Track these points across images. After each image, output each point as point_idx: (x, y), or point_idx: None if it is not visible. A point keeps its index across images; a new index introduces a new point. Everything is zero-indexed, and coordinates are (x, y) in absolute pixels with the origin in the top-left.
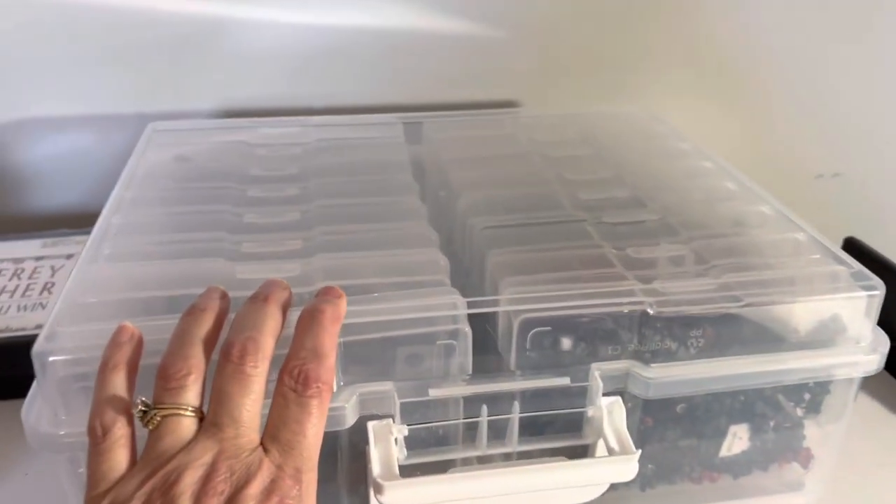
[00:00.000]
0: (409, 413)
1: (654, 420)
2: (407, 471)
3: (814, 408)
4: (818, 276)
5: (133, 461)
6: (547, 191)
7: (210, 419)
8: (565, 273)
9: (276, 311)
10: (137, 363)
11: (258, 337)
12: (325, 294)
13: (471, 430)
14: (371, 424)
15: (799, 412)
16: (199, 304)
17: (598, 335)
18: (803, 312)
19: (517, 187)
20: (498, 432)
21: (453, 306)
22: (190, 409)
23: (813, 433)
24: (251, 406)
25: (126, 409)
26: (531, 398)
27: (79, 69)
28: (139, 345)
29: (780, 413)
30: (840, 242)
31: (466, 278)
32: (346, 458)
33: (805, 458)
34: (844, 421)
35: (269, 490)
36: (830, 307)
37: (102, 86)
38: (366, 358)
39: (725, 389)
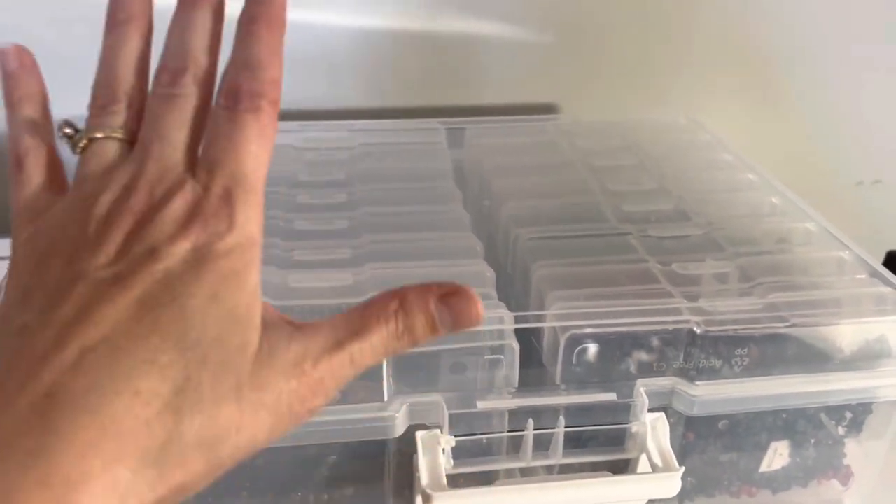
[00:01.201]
0: (455, 423)
1: (695, 435)
2: (453, 479)
3: (855, 427)
4: (864, 297)
5: (54, 188)
6: (590, 201)
7: (138, 142)
8: (611, 289)
9: (207, 17)
10: (45, 91)
11: (190, 53)
12: None
13: (515, 442)
14: (420, 434)
15: (840, 431)
16: (118, 15)
17: (643, 352)
18: (849, 333)
19: (560, 197)
20: (542, 444)
21: (500, 321)
22: (119, 132)
23: (853, 451)
24: (181, 125)
25: (44, 136)
26: (576, 412)
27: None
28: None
29: (821, 431)
30: (882, 254)
31: (510, 288)
32: (393, 465)
33: (845, 476)
34: (886, 440)
35: (192, 212)
36: (876, 329)
37: None
38: (414, 369)
39: (769, 409)
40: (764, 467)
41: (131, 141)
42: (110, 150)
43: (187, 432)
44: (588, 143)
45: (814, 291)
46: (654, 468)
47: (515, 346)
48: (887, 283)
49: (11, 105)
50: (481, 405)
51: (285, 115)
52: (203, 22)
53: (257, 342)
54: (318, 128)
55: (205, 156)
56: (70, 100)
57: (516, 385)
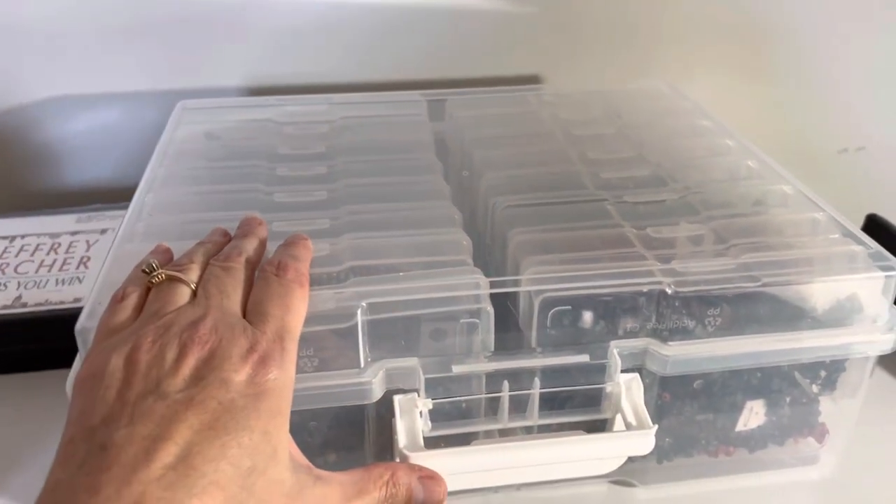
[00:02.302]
0: (433, 388)
1: (671, 395)
2: (431, 442)
3: (829, 384)
4: (836, 256)
5: (135, 315)
6: (569, 170)
7: (200, 294)
8: (586, 253)
9: (255, 241)
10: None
11: (243, 249)
12: (294, 237)
13: (493, 405)
14: (397, 398)
15: (815, 389)
16: (213, 236)
17: (617, 314)
18: (821, 292)
19: (540, 166)
20: (519, 407)
21: (476, 286)
22: (191, 282)
23: (828, 408)
24: (236, 285)
25: (143, 283)
26: (551, 374)
27: (107, 47)
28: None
29: (796, 389)
30: (863, 218)
31: (489, 256)
32: (372, 431)
33: (820, 434)
34: (860, 397)
35: (252, 349)
36: (848, 287)
37: (131, 63)
38: (391, 335)
39: (742, 367)
40: (740, 426)
41: (195, 294)
42: (181, 292)
43: None
44: (569, 112)
45: (786, 251)
46: (629, 427)
47: (490, 310)
48: (859, 242)
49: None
50: (457, 369)
51: (264, 90)
52: (253, 241)
53: (289, 480)
54: (297, 101)
55: (258, 308)
56: None
57: (492, 349)
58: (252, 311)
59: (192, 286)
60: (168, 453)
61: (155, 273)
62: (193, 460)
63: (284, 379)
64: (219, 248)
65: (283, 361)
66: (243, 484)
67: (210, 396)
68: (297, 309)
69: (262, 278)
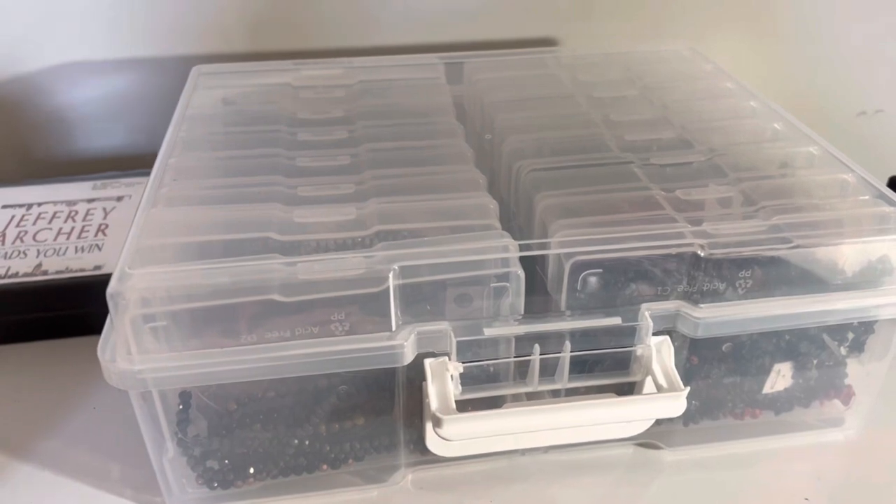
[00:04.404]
0: (464, 351)
1: (699, 358)
2: (461, 406)
3: (857, 347)
4: (866, 217)
5: None
6: (593, 132)
7: None
8: (614, 216)
9: None
10: None
11: None
12: None
13: (522, 368)
14: (428, 362)
15: (842, 351)
16: None
17: (647, 276)
18: (851, 253)
19: (562, 129)
20: (548, 370)
21: (505, 249)
22: None
23: (855, 371)
24: None
25: None
26: (581, 337)
27: (117, 12)
28: None
29: (823, 352)
30: (885, 180)
31: (514, 220)
32: (403, 394)
33: (846, 396)
34: (887, 360)
35: None
36: (878, 248)
37: (141, 29)
38: (421, 299)
39: (771, 329)
40: (767, 389)
41: None
42: None
43: None
44: (589, 75)
45: (816, 213)
46: (660, 389)
47: (521, 273)
48: (890, 202)
49: None
50: (488, 332)
51: (279, 55)
52: None
53: None
54: (314, 66)
55: None
56: None
57: (522, 313)
58: None
59: None
60: None
61: None
62: None
63: None
64: None
65: None
66: None
67: None
68: None
69: None
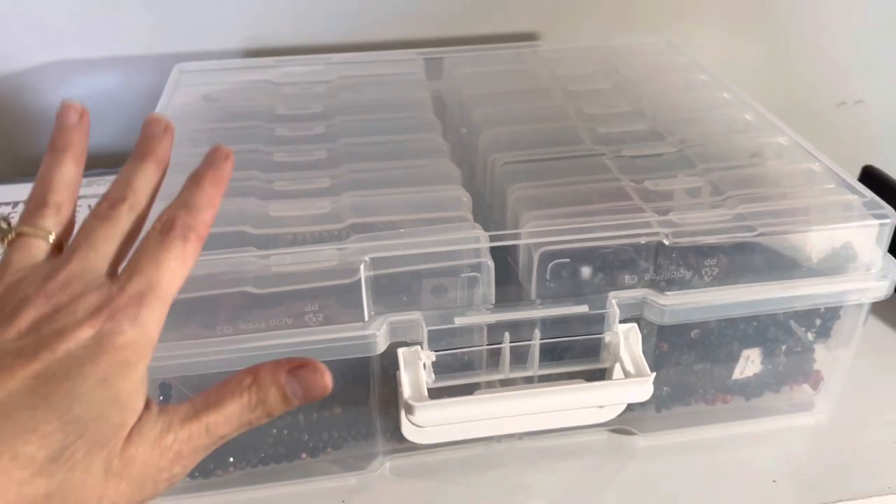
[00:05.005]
0: (436, 340)
1: (669, 345)
2: (435, 394)
3: (824, 332)
4: (831, 206)
5: None
6: (567, 125)
7: (66, 248)
8: (584, 206)
9: (152, 168)
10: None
11: (131, 190)
12: (211, 156)
13: (494, 356)
14: (401, 351)
15: (810, 336)
16: (57, 143)
17: (615, 265)
18: (816, 241)
19: (538, 123)
20: (520, 357)
21: (476, 240)
22: (46, 235)
23: (823, 356)
24: (109, 239)
25: None
26: (551, 325)
27: (101, 10)
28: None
29: (791, 338)
30: (859, 171)
31: (488, 212)
32: (377, 383)
33: (815, 381)
34: (854, 345)
35: (102, 306)
36: (843, 235)
37: (126, 27)
38: (394, 290)
39: (738, 315)
40: (737, 374)
41: (58, 247)
42: (37, 248)
43: (54, 497)
44: (566, 69)
45: (782, 201)
46: (627, 375)
47: (491, 263)
48: (854, 191)
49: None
50: (459, 321)
51: (261, 52)
52: (147, 171)
53: (133, 424)
54: (294, 62)
55: (128, 265)
56: None
57: (493, 302)
58: (124, 268)
59: (51, 238)
60: None
61: (9, 231)
62: (8, 408)
63: (138, 337)
64: (78, 163)
65: (137, 319)
66: (67, 430)
67: (43, 347)
68: (170, 266)
69: (144, 238)
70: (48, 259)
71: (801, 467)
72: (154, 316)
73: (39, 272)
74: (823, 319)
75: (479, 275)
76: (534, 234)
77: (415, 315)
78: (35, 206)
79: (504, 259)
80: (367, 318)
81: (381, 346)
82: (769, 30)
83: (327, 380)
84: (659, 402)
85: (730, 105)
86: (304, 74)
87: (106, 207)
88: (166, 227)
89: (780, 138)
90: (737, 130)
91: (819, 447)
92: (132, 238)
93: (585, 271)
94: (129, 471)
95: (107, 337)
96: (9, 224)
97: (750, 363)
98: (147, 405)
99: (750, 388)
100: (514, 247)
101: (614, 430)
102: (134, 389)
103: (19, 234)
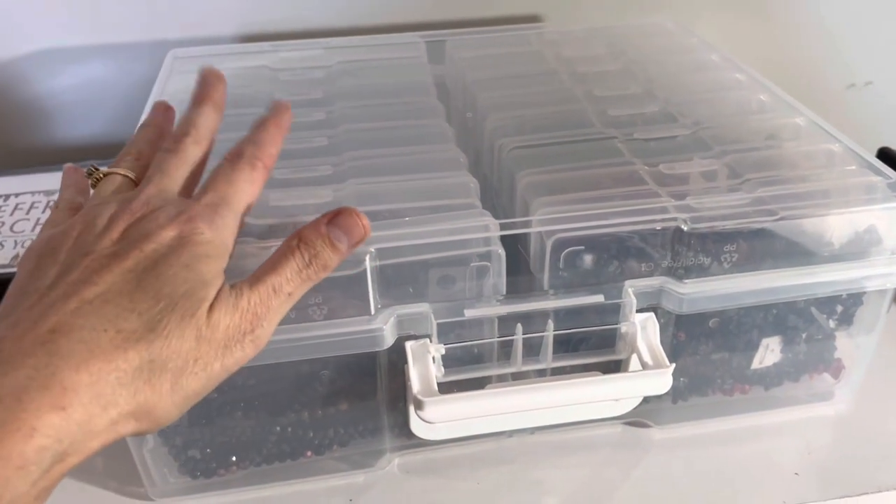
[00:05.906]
0: (445, 333)
1: (686, 335)
2: (445, 388)
3: (846, 320)
4: (853, 188)
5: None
6: (575, 108)
7: (144, 178)
8: (597, 192)
9: (210, 109)
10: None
11: (193, 126)
12: (273, 107)
13: (505, 348)
14: (409, 344)
15: (831, 324)
16: (147, 120)
17: (631, 253)
18: (838, 224)
19: (545, 106)
20: (532, 350)
21: (486, 228)
22: (127, 172)
23: (844, 344)
24: (179, 166)
25: (86, 187)
26: (565, 316)
27: None
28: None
29: (812, 325)
30: (874, 153)
31: (496, 200)
32: (385, 377)
33: (836, 370)
34: (876, 332)
35: (181, 213)
36: (866, 218)
37: (118, 13)
38: (401, 281)
39: (758, 303)
40: (756, 364)
41: (136, 181)
42: (118, 181)
43: (156, 360)
44: (572, 51)
45: (802, 184)
46: (645, 366)
47: (501, 252)
48: (877, 172)
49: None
50: (469, 313)
51: (257, 37)
52: (206, 112)
53: (213, 297)
54: (292, 47)
55: (202, 187)
56: None
57: (504, 292)
58: (198, 190)
59: (132, 176)
60: (89, 293)
61: (95, 173)
62: (110, 295)
63: (214, 238)
64: (160, 130)
65: (213, 223)
66: (161, 306)
67: (133, 248)
68: (240, 185)
69: (217, 165)
70: (127, 188)
71: (822, 459)
72: (228, 223)
73: (124, 196)
74: (846, 306)
75: (489, 264)
76: (546, 222)
77: (423, 307)
78: (120, 157)
79: (514, 248)
80: (373, 311)
81: (389, 339)
82: (776, 11)
83: (365, 221)
84: (675, 393)
85: (743, 86)
86: (302, 60)
87: (172, 141)
88: (235, 157)
89: (797, 119)
90: (751, 111)
91: (840, 438)
92: (199, 168)
93: (600, 259)
94: (215, 335)
95: (187, 236)
96: (97, 169)
97: (769, 352)
98: (222, 285)
99: (769, 378)
100: (525, 235)
101: (629, 423)
102: (212, 274)
103: (106, 174)
